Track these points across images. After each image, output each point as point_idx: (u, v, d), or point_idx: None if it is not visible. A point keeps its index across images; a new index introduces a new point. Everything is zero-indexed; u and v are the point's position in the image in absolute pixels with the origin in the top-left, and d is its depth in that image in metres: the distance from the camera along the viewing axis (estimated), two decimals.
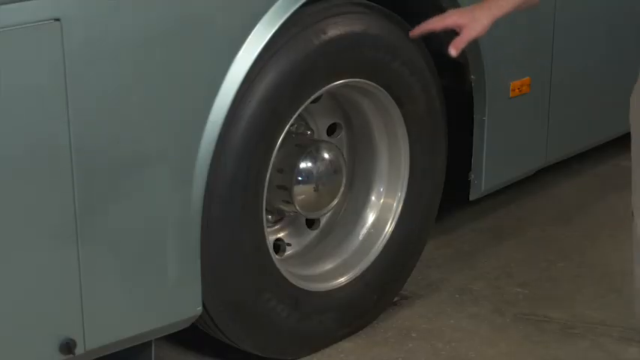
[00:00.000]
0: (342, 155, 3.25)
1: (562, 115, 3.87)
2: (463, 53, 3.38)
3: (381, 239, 3.31)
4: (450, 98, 3.41)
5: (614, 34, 4.05)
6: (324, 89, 3.01)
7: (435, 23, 2.58)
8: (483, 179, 3.56)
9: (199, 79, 2.67)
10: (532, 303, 3.52)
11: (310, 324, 3.13)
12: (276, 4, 2.78)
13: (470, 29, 2.53)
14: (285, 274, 3.05)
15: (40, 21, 2.36)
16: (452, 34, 3.31)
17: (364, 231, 3.34)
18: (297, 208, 3.12)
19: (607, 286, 3.61)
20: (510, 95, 3.57)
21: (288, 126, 2.94)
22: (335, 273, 3.25)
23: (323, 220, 3.39)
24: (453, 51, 2.54)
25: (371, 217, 3.35)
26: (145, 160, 2.61)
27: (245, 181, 2.84)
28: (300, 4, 2.84)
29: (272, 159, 2.91)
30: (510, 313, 3.46)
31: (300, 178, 3.10)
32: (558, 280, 3.68)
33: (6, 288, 2.44)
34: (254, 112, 2.80)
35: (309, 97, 2.98)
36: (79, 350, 2.57)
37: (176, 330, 2.83)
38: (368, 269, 3.28)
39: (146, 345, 2.79)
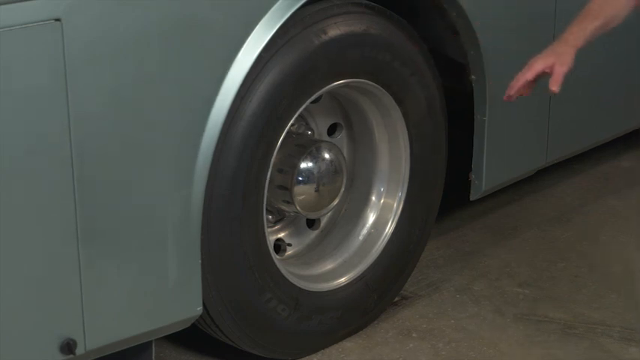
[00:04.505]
0: (343, 155, 3.25)
1: (562, 115, 3.86)
2: (463, 53, 3.40)
3: (381, 239, 3.31)
4: (450, 98, 3.41)
5: (615, 35, 4.04)
6: (324, 89, 3.01)
7: (526, 75, 2.62)
8: (484, 179, 3.56)
9: (200, 79, 2.67)
10: (532, 303, 3.52)
11: (310, 324, 3.13)
12: (277, 5, 2.78)
13: (560, 66, 2.59)
14: (285, 274, 3.05)
15: (40, 21, 2.36)
16: (451, 32, 3.33)
17: (364, 231, 3.34)
18: (298, 208, 3.12)
19: (607, 286, 3.61)
20: None
21: (288, 126, 2.94)
22: (335, 273, 3.25)
23: (323, 220, 3.39)
24: (555, 88, 2.58)
25: (371, 218, 3.35)
26: (145, 160, 2.61)
27: (245, 181, 2.84)
28: (300, 4, 2.84)
29: (272, 159, 2.91)
30: (511, 313, 3.46)
31: (300, 178, 3.10)
32: (558, 280, 3.68)
33: (7, 288, 2.44)
34: (254, 112, 2.80)
35: (310, 97, 2.98)
36: (79, 350, 2.57)
37: (176, 330, 2.83)
38: (368, 269, 3.28)
39: (146, 345, 2.79)
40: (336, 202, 3.23)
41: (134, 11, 2.52)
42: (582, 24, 2.62)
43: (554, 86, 2.56)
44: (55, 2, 2.38)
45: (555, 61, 2.58)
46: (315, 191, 3.14)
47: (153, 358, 2.81)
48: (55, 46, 2.39)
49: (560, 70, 2.57)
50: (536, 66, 2.61)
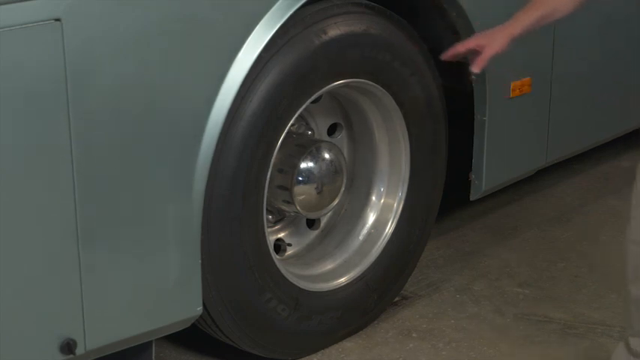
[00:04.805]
0: (343, 155, 3.25)
1: (562, 115, 3.87)
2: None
3: (381, 239, 3.31)
4: (450, 98, 3.41)
5: (615, 35, 4.05)
6: (324, 89, 3.01)
7: (460, 47, 2.81)
8: (484, 179, 3.56)
9: (200, 79, 2.67)
10: (532, 303, 3.52)
11: (310, 324, 3.13)
12: (277, 5, 2.78)
13: (489, 48, 2.73)
14: (285, 274, 3.05)
15: (40, 21, 2.36)
16: (451, 32, 3.34)
17: (365, 231, 3.34)
18: (298, 208, 3.12)
19: (607, 286, 3.61)
20: (511, 95, 3.57)
21: (288, 126, 2.94)
22: (335, 273, 3.25)
23: (323, 220, 3.39)
24: (476, 69, 2.75)
25: (371, 218, 3.35)
26: (145, 160, 2.61)
27: (245, 181, 2.84)
28: (300, 4, 2.84)
29: (272, 159, 2.91)
30: (511, 313, 3.46)
31: (300, 178, 3.10)
32: (558, 280, 3.68)
33: (7, 288, 2.44)
34: (254, 112, 2.80)
35: (310, 97, 2.98)
36: (79, 350, 2.57)
37: (176, 330, 2.83)
38: (368, 269, 3.28)
39: (146, 345, 2.79)
40: (336, 202, 3.23)
41: (134, 11, 2.52)
42: (525, 14, 2.73)
43: (476, 67, 2.74)
44: (55, 2, 2.38)
45: (486, 44, 2.72)
46: (315, 191, 3.14)
47: (153, 358, 2.81)
48: (55, 46, 2.38)
49: (487, 53, 2.72)
50: (471, 43, 2.77)
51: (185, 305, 2.79)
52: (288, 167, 3.09)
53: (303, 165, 3.10)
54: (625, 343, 2.81)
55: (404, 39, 3.16)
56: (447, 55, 2.85)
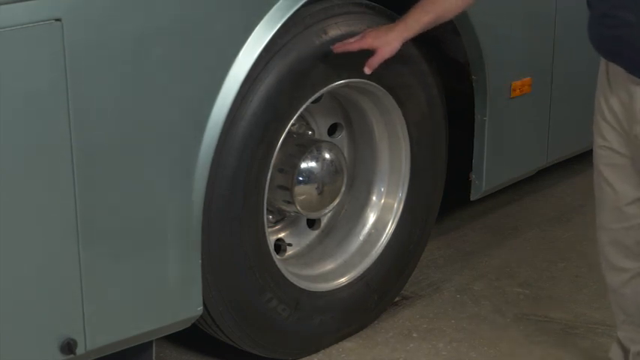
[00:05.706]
0: (343, 155, 3.25)
1: (563, 115, 3.86)
2: (463, 53, 3.39)
3: (381, 239, 3.31)
4: (450, 98, 3.41)
5: None
6: (324, 89, 3.01)
7: (353, 44, 2.84)
8: (484, 179, 3.56)
9: (200, 79, 2.67)
10: (533, 303, 3.52)
11: (311, 324, 3.13)
12: (277, 5, 2.78)
13: (382, 51, 2.79)
14: (286, 274, 3.04)
15: (40, 21, 2.36)
16: (451, 32, 3.34)
17: (365, 231, 3.34)
18: (298, 208, 3.12)
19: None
20: (511, 95, 3.57)
21: (289, 126, 2.94)
22: (336, 273, 3.25)
23: (324, 221, 3.39)
24: (367, 70, 2.81)
25: (372, 218, 3.35)
26: (145, 160, 2.61)
27: (246, 181, 2.84)
28: (300, 4, 2.84)
29: (273, 159, 2.91)
30: (511, 313, 3.46)
31: (300, 178, 3.10)
32: (558, 280, 3.68)
33: (7, 288, 2.44)
34: (255, 112, 2.80)
35: (310, 97, 2.98)
36: (79, 350, 2.57)
37: (177, 330, 2.83)
38: (369, 269, 3.28)
39: (147, 345, 2.79)
40: (336, 202, 3.23)
41: (134, 11, 2.51)
42: (416, 15, 2.80)
43: (367, 68, 2.80)
44: (55, 2, 2.37)
45: (380, 47, 2.79)
46: (316, 191, 3.13)
47: (153, 358, 2.81)
48: (55, 46, 2.38)
49: (379, 57, 2.79)
50: (364, 43, 2.81)
51: (185, 305, 2.79)
52: (289, 167, 3.09)
53: (303, 165, 3.10)
54: (617, 339, 2.83)
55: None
56: (337, 48, 2.85)
